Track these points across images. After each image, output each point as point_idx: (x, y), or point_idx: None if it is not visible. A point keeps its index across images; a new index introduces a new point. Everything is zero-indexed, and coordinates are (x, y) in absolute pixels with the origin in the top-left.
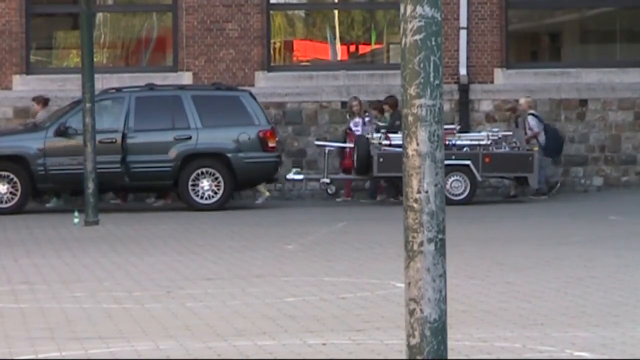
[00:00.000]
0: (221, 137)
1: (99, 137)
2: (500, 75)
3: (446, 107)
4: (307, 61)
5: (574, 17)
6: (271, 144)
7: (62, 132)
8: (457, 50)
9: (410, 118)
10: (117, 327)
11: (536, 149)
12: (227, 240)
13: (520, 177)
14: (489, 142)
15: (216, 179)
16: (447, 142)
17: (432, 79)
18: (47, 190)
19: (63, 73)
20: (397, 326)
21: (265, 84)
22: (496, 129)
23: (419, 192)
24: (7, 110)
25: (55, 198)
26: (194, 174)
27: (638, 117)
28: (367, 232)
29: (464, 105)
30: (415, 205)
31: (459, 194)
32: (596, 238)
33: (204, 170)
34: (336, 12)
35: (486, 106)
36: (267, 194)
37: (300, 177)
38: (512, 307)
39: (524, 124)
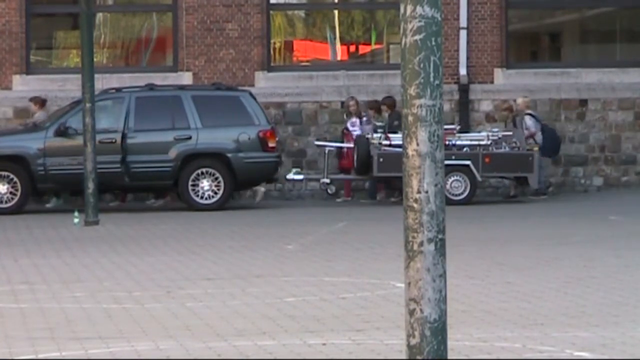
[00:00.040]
0: (221, 137)
1: (98, 137)
2: (500, 75)
3: (446, 107)
4: (307, 61)
5: (574, 17)
6: (271, 144)
7: (62, 132)
8: (457, 50)
9: (410, 118)
10: (117, 327)
11: (536, 148)
12: (227, 240)
13: (520, 177)
14: (489, 142)
15: (216, 179)
16: (447, 142)
17: (432, 79)
18: (47, 190)
19: (63, 73)
20: (397, 326)
21: (265, 84)
22: (496, 129)
23: (419, 192)
24: (7, 110)
25: (55, 198)
26: (194, 174)
27: (638, 117)
28: (367, 232)
29: (464, 105)
30: (415, 205)
31: (459, 194)
32: (596, 238)
33: (204, 170)
34: (336, 12)
35: (486, 106)
36: (262, 189)
37: (300, 177)
38: (512, 307)
39: (522, 123)
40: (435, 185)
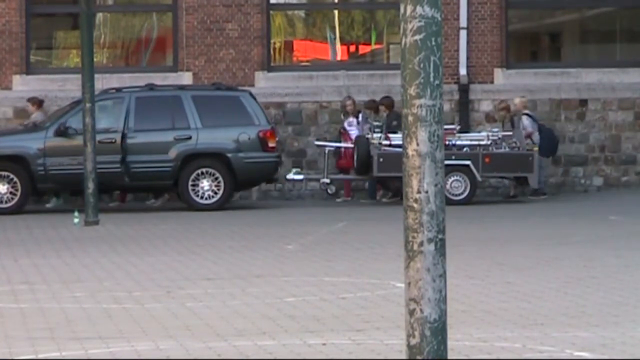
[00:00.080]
0: (221, 137)
1: (98, 137)
2: (500, 75)
3: (446, 107)
4: (307, 61)
5: (574, 17)
6: (271, 144)
7: (62, 132)
8: (457, 50)
9: (410, 118)
10: (117, 327)
11: (536, 148)
12: (227, 240)
13: (520, 177)
14: (489, 142)
15: (216, 179)
16: (447, 142)
17: (432, 79)
18: (47, 190)
19: (63, 73)
20: (397, 326)
21: (265, 84)
22: (496, 129)
23: (419, 192)
24: (7, 110)
25: (55, 198)
26: (194, 174)
27: (638, 117)
28: (367, 232)
29: (464, 105)
30: (415, 205)
31: (459, 194)
32: (596, 238)
33: (204, 170)
34: (336, 12)
35: (486, 106)
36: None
37: (300, 177)
38: (512, 307)
39: (520, 123)
40: (435, 185)
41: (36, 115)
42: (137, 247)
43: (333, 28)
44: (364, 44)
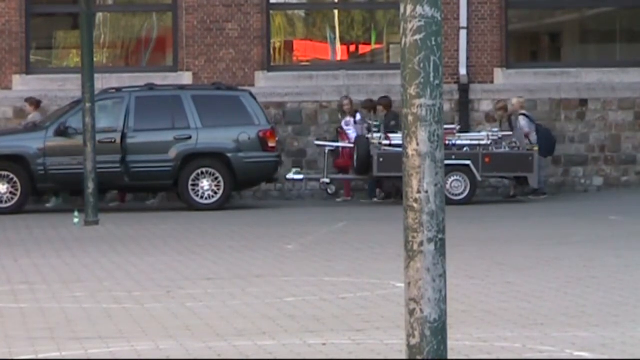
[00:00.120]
0: (221, 137)
1: (98, 137)
2: (500, 75)
3: (446, 107)
4: (307, 61)
5: (574, 17)
6: (271, 144)
7: (62, 132)
8: (457, 50)
9: (410, 118)
10: (117, 327)
11: (536, 148)
12: (227, 240)
13: (520, 177)
14: (489, 142)
15: (216, 179)
16: (447, 142)
17: (432, 79)
18: (47, 190)
19: (63, 73)
20: (397, 326)
21: (265, 84)
22: (496, 129)
23: (419, 192)
24: (7, 110)
25: (54, 198)
26: (194, 174)
27: (638, 117)
28: (367, 232)
29: (464, 105)
30: (415, 205)
31: (459, 194)
32: (596, 238)
33: (204, 170)
34: (336, 12)
35: (486, 106)
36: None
37: (300, 177)
38: (512, 307)
39: (517, 123)
40: (435, 185)
41: (34, 116)
42: (137, 247)
43: (333, 28)
44: (364, 44)
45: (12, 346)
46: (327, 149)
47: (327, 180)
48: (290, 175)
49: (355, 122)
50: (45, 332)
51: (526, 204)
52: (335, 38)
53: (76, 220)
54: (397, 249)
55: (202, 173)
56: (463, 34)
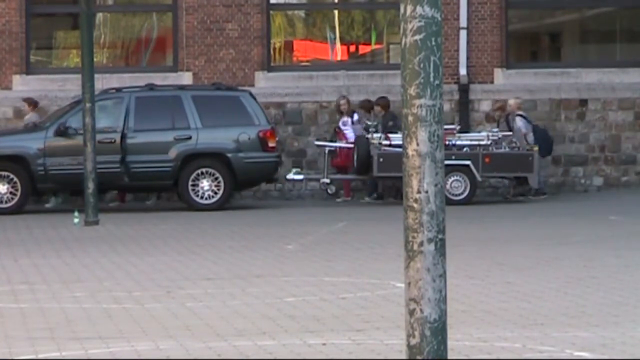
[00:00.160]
0: (221, 137)
1: (98, 137)
2: (500, 75)
3: (446, 107)
4: (307, 61)
5: (574, 17)
6: (271, 144)
7: (62, 132)
8: (457, 50)
9: (410, 118)
10: (117, 327)
11: (536, 148)
12: (227, 240)
13: (520, 177)
14: (489, 142)
15: (216, 179)
16: (447, 142)
17: (432, 79)
18: (47, 190)
19: (63, 73)
20: (397, 326)
21: (265, 84)
22: (496, 129)
23: (419, 192)
24: (7, 110)
25: (53, 197)
26: (194, 174)
27: (638, 117)
28: (367, 232)
29: (464, 105)
30: (415, 205)
31: (459, 194)
32: (596, 238)
33: (204, 170)
34: (336, 12)
35: (486, 106)
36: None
37: (300, 177)
38: (512, 307)
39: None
40: (435, 185)
41: (31, 116)
42: (137, 247)
43: (333, 28)
44: (364, 44)
45: (12, 346)
46: (327, 149)
47: (327, 180)
48: (290, 175)
49: (352, 122)
50: (45, 332)
51: (526, 204)
52: (335, 38)
53: (76, 220)
54: (397, 249)
55: (202, 173)
56: (463, 34)
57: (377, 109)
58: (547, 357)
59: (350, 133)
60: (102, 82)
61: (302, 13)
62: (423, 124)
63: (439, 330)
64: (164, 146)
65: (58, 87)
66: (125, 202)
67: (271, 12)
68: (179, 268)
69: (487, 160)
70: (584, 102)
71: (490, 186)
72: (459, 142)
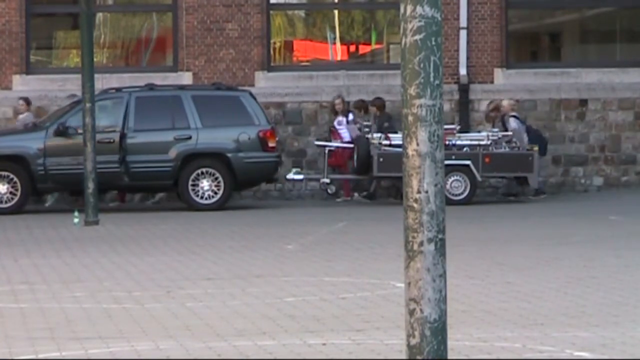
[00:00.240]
0: (221, 137)
1: (98, 137)
2: (500, 75)
3: (446, 107)
4: (307, 61)
5: (574, 17)
6: (271, 144)
7: (62, 132)
8: (457, 50)
9: (410, 118)
10: (117, 327)
11: (536, 148)
12: (227, 240)
13: (520, 177)
14: (489, 142)
15: (216, 179)
16: (447, 142)
17: (432, 79)
18: (47, 190)
19: (63, 73)
20: (397, 326)
21: (265, 84)
22: (496, 129)
23: (419, 192)
24: (7, 110)
25: (49, 196)
26: (194, 174)
27: (638, 117)
28: (367, 232)
29: (464, 105)
30: (415, 205)
31: (459, 194)
32: (596, 238)
33: (204, 170)
34: (336, 12)
35: (486, 106)
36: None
37: (300, 177)
38: (512, 307)
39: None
40: (435, 185)
41: (26, 116)
42: (137, 247)
43: (333, 28)
44: (364, 44)
45: (12, 346)
46: (327, 149)
47: (327, 180)
48: (290, 175)
49: (347, 122)
50: (45, 332)
51: (526, 204)
52: (335, 38)
53: (76, 220)
54: (397, 249)
55: (202, 173)
56: (463, 34)
57: (372, 109)
58: (547, 357)
59: (345, 133)
60: (102, 82)
61: (302, 13)
62: (423, 124)
63: (439, 330)
64: (164, 146)
65: (58, 87)
66: (125, 202)
67: (271, 12)
68: (179, 268)
69: (487, 160)
70: (584, 102)
71: (490, 186)
72: (459, 142)
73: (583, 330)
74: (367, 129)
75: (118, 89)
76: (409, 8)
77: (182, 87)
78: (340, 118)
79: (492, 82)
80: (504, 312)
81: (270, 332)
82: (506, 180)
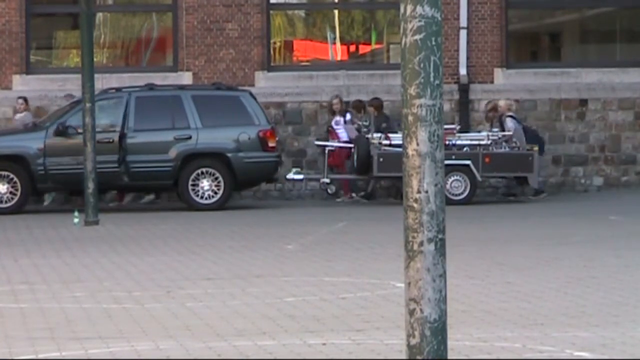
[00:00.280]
0: (221, 137)
1: (98, 137)
2: (500, 75)
3: (446, 107)
4: (307, 61)
5: (574, 17)
6: (271, 144)
7: (62, 132)
8: (457, 50)
9: (410, 118)
10: (117, 327)
11: (536, 148)
12: (227, 240)
13: (520, 177)
14: (489, 142)
15: (216, 179)
16: (447, 142)
17: (432, 79)
18: (47, 190)
19: (63, 73)
20: (397, 326)
21: (265, 84)
22: (496, 129)
23: (419, 192)
24: (7, 110)
25: (46, 195)
26: (194, 174)
27: (638, 117)
28: (367, 232)
29: (464, 105)
30: (415, 205)
31: (459, 194)
32: (596, 238)
33: (204, 170)
34: (336, 12)
35: (484, 106)
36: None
37: (300, 177)
38: (512, 307)
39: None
40: (435, 185)
41: (24, 115)
42: (137, 247)
43: (333, 28)
44: (364, 44)
45: (12, 346)
46: (327, 149)
47: (327, 180)
48: (290, 175)
49: (345, 122)
50: (45, 332)
51: (526, 204)
52: (335, 38)
53: (76, 220)
54: (397, 249)
55: (202, 173)
56: (463, 34)
57: (370, 109)
58: (547, 357)
59: (342, 133)
60: (102, 82)
61: (302, 13)
62: (423, 123)
63: (439, 330)
64: (164, 146)
65: (58, 87)
66: (124, 202)
67: (271, 12)
68: (179, 268)
69: (487, 160)
70: (584, 102)
71: (490, 186)
72: (459, 142)
73: (583, 330)
74: (365, 129)
75: (118, 89)
76: (409, 8)
77: (182, 87)
78: (338, 118)
79: (492, 82)
80: (504, 312)
81: (270, 332)
82: (505, 180)
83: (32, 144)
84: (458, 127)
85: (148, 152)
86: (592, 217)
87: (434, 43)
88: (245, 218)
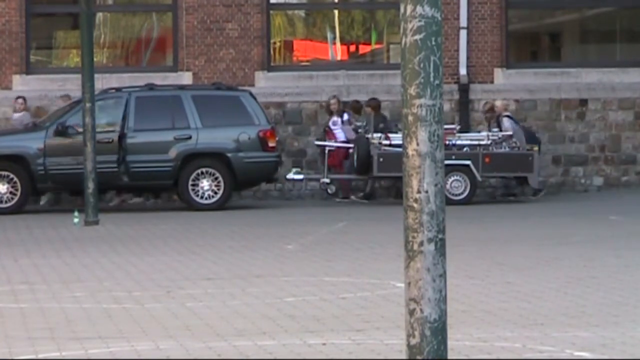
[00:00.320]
0: (221, 137)
1: (98, 137)
2: (500, 75)
3: (446, 107)
4: (307, 61)
5: (574, 17)
6: (271, 144)
7: (62, 132)
8: (457, 50)
9: (410, 118)
10: (117, 327)
11: (536, 148)
12: (227, 240)
13: (520, 177)
14: (489, 142)
15: (216, 179)
16: (447, 142)
17: (432, 79)
18: (47, 190)
19: (63, 73)
20: (397, 326)
21: (265, 84)
22: (496, 129)
23: (419, 192)
24: (7, 110)
25: (43, 195)
26: (194, 174)
27: (638, 117)
28: (367, 232)
29: (464, 105)
30: (415, 205)
31: (459, 194)
32: (596, 238)
33: (204, 170)
34: (336, 12)
35: (482, 107)
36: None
37: (300, 177)
38: (512, 307)
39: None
40: (435, 185)
41: (22, 115)
42: (137, 247)
43: (333, 28)
44: (364, 43)
45: (12, 346)
46: (327, 149)
47: (327, 180)
48: (290, 175)
49: (342, 122)
50: (45, 332)
51: (526, 204)
52: (335, 38)
53: (76, 220)
54: (397, 249)
55: (202, 173)
56: (463, 34)
57: (367, 110)
58: (547, 357)
59: (340, 133)
60: (102, 82)
61: (302, 13)
62: (423, 123)
63: (439, 330)
64: (164, 146)
65: (58, 87)
66: (123, 202)
67: (271, 12)
68: (179, 268)
69: (487, 160)
70: (584, 102)
71: (490, 186)
72: (459, 142)
73: (583, 330)
74: (361, 130)
75: (118, 89)
76: (409, 8)
77: (182, 87)
78: (335, 118)
79: (492, 82)
80: (504, 312)
81: (270, 332)
82: (504, 180)
83: (32, 143)
84: (458, 127)
85: (148, 152)
86: (592, 217)
87: (434, 43)
88: (245, 218)
